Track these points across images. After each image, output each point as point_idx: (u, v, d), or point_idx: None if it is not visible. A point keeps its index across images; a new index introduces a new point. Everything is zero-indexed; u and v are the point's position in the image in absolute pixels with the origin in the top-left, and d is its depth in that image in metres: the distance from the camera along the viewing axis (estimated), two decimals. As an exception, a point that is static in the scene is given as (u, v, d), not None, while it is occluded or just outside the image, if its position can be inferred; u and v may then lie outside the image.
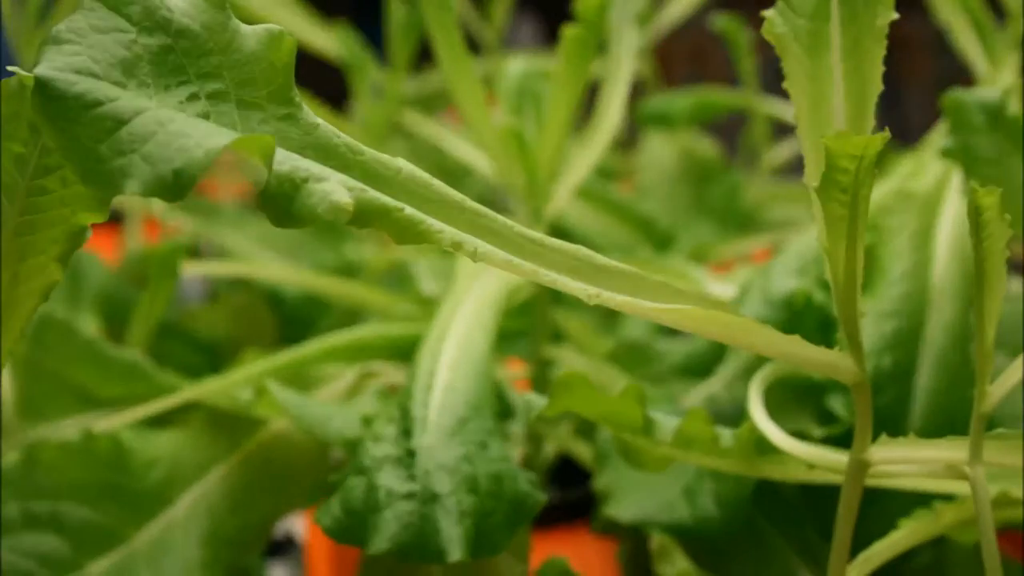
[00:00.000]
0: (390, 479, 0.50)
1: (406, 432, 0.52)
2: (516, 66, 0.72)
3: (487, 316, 0.61)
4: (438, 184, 0.39)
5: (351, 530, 0.49)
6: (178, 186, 0.31)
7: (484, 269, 0.64)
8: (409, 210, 0.37)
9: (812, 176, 0.42)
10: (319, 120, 0.37)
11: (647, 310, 0.41)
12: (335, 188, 0.35)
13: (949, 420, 0.56)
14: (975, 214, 0.41)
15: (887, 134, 0.39)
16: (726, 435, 0.52)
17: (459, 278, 0.65)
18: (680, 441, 0.51)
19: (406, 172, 0.38)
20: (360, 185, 0.36)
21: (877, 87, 0.43)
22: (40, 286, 0.41)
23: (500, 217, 0.40)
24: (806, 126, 0.44)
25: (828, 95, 0.44)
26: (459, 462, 0.51)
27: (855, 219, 0.41)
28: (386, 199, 0.36)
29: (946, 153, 0.59)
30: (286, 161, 0.34)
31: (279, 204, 0.34)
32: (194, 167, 0.31)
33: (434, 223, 0.37)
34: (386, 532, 0.48)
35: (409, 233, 0.37)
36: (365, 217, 0.36)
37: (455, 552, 0.48)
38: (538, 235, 0.40)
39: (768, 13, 0.43)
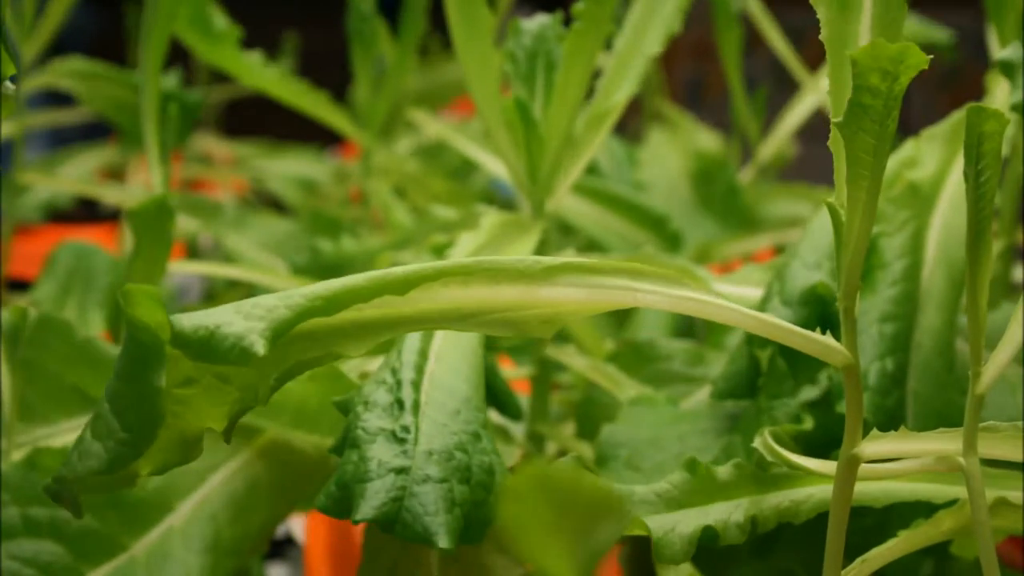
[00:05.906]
0: (382, 451, 0.49)
1: (399, 403, 0.51)
2: (531, 24, 0.65)
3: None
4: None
5: (340, 502, 0.48)
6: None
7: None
8: None
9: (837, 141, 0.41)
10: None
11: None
12: None
13: (936, 425, 0.56)
14: (975, 141, 0.37)
15: (928, 56, 0.36)
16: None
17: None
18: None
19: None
20: None
21: None
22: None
23: None
24: (836, 86, 0.43)
25: None
26: (453, 450, 0.50)
27: (880, 155, 0.38)
28: None
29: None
30: None
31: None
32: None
33: None
34: (373, 501, 0.47)
35: None
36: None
37: (443, 540, 0.47)
38: None
39: None
